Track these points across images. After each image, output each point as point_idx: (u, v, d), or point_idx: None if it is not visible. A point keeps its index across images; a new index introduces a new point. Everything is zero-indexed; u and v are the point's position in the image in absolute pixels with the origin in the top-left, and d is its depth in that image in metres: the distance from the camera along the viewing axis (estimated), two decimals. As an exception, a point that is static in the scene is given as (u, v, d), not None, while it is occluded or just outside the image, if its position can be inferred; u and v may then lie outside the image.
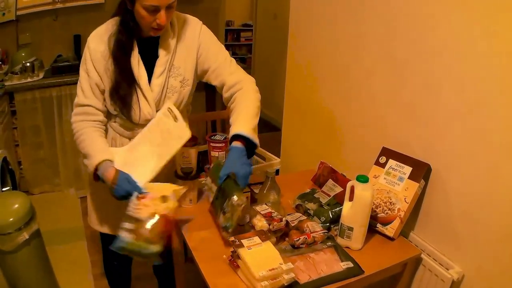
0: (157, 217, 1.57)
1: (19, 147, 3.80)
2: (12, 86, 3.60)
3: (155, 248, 1.55)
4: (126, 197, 1.63)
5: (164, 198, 1.61)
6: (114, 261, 2.42)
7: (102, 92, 1.77)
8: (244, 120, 1.71)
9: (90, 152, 1.72)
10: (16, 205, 2.10)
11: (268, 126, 5.84)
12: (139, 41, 1.75)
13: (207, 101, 4.62)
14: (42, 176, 3.98)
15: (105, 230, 2.10)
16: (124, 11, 1.69)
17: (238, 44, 7.01)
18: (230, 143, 1.69)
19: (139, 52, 1.75)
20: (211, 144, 1.91)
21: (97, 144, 1.76)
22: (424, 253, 1.72)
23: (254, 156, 2.37)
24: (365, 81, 1.98)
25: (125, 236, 1.54)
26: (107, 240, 2.18)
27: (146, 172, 1.70)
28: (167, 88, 1.80)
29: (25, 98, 3.63)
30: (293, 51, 2.56)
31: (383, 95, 1.87)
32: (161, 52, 1.76)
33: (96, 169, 1.70)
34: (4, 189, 3.15)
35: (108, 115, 1.85)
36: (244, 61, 6.89)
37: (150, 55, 1.76)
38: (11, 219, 2.02)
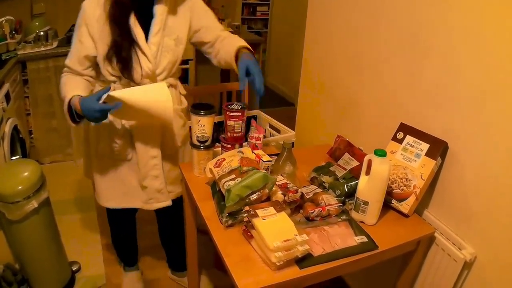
0: None
1: (30, 116, 3.79)
2: (25, 55, 3.59)
3: None
4: (102, 113, 1.67)
5: None
6: (121, 234, 2.48)
7: (92, 59, 1.85)
8: (242, 41, 1.98)
9: (64, 94, 1.78)
10: (26, 173, 2.09)
11: (283, 102, 5.83)
12: (133, 2, 1.78)
13: (221, 73, 4.56)
14: (53, 146, 3.98)
15: (112, 204, 2.15)
16: None
17: (254, 18, 6.90)
18: (237, 53, 1.90)
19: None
20: (227, 113, 1.89)
21: (71, 83, 1.82)
22: (437, 232, 1.70)
23: (269, 129, 2.37)
24: (384, 58, 1.94)
25: None
26: (113, 214, 2.24)
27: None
28: (162, 46, 1.87)
29: (38, 67, 3.62)
30: (312, 26, 2.52)
31: (403, 72, 1.84)
32: (157, 11, 1.83)
33: (69, 109, 1.75)
34: (13, 158, 3.16)
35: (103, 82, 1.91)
36: (260, 35, 6.81)
37: (144, 16, 1.82)
38: (19, 187, 2.02)
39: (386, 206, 1.72)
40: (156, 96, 1.73)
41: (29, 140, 3.85)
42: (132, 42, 1.79)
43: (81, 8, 1.78)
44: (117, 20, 1.75)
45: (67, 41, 3.78)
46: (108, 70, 1.83)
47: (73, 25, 3.60)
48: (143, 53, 1.81)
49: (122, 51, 1.77)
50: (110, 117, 1.81)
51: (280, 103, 5.64)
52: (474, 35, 1.49)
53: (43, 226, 2.21)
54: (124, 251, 2.60)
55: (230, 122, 1.89)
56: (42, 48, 3.66)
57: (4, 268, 2.25)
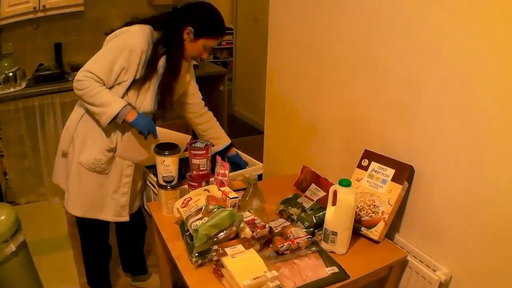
0: None
1: (4, 157, 3.74)
2: (-5, 97, 3.55)
3: None
4: (149, 126, 1.99)
5: None
6: (92, 252, 2.53)
7: (111, 81, 1.96)
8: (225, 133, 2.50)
9: (109, 99, 1.93)
10: (2, 217, 2.06)
11: (252, 130, 5.81)
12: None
13: None
14: (27, 186, 3.92)
15: (78, 213, 2.24)
16: (172, 33, 1.99)
17: (220, 48, 6.94)
18: (227, 150, 2.48)
19: None
20: (192, 151, 1.89)
21: (113, 95, 1.96)
22: (410, 255, 1.71)
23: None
24: (346, 83, 1.96)
25: None
26: (84, 224, 2.34)
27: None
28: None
29: (9, 109, 3.57)
30: (273, 54, 2.54)
31: (365, 97, 1.87)
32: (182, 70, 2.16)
33: (117, 113, 1.92)
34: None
35: None
36: (226, 65, 6.84)
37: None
38: (-2, 231, 1.99)
39: (356, 233, 1.72)
40: (180, 139, 2.06)
41: (5, 181, 3.80)
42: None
43: (130, 32, 1.95)
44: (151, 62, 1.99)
45: (34, 81, 3.75)
46: (128, 94, 2.01)
47: (41, 64, 3.59)
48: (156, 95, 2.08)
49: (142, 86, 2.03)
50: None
51: (249, 132, 5.60)
52: (432, 55, 1.52)
53: (23, 268, 2.19)
54: (97, 276, 2.61)
55: (195, 161, 1.89)
56: (12, 89, 3.62)
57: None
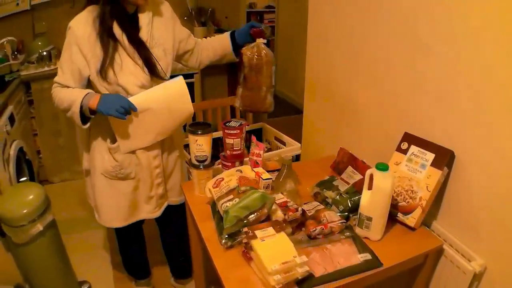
0: None
1: (37, 136, 3.79)
2: (28, 76, 3.59)
3: None
4: (117, 104, 1.74)
5: None
6: (130, 247, 2.50)
7: (84, 78, 1.85)
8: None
9: (73, 97, 1.80)
10: (31, 196, 2.05)
11: (292, 109, 5.76)
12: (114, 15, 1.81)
13: (229, 85, 4.47)
14: (61, 164, 3.97)
15: (117, 224, 2.18)
16: None
17: (263, 26, 6.89)
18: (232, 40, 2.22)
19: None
20: (225, 131, 1.85)
21: (75, 90, 1.84)
22: (446, 244, 1.64)
23: (275, 141, 2.35)
24: (387, 65, 1.87)
25: None
26: (120, 229, 2.24)
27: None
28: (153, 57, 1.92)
29: (42, 87, 3.61)
30: (313, 34, 2.46)
31: (406, 78, 1.77)
32: (142, 25, 1.88)
33: (81, 108, 1.78)
34: (21, 179, 3.15)
35: None
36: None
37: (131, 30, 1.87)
38: (24, 211, 1.98)
39: (392, 219, 1.66)
40: (176, 89, 1.88)
41: (38, 160, 3.85)
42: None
43: (69, 27, 1.79)
44: (107, 35, 1.79)
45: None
46: (105, 87, 1.85)
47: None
48: (136, 63, 1.86)
49: (114, 62, 1.82)
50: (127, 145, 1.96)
51: (290, 111, 5.57)
52: (478, 37, 1.42)
53: (50, 248, 2.18)
54: (135, 265, 2.61)
55: (228, 140, 1.85)
56: (46, 68, 3.65)
57: (15, 288, 2.24)
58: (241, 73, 2.09)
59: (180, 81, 1.88)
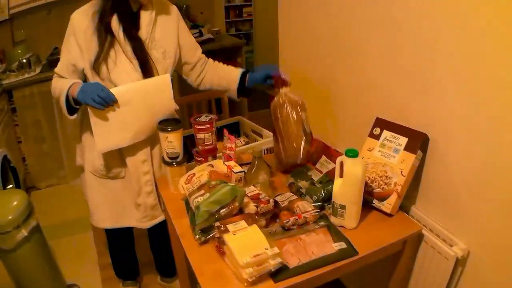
0: None
1: (22, 143, 3.77)
2: (10, 84, 3.57)
3: None
4: (94, 93, 1.68)
5: None
6: (119, 249, 2.49)
7: (80, 70, 1.84)
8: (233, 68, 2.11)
9: (61, 88, 1.80)
10: (14, 203, 2.06)
11: (270, 101, 5.70)
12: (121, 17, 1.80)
13: None
14: (47, 170, 3.96)
15: (106, 225, 2.18)
16: None
17: (241, 20, 6.81)
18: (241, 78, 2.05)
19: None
20: (195, 126, 1.82)
21: (67, 80, 1.83)
22: (425, 229, 1.61)
23: (252, 134, 2.33)
24: (357, 48, 1.85)
25: None
26: (110, 231, 2.29)
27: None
28: (150, 59, 1.86)
29: (24, 95, 3.60)
30: (284, 21, 2.44)
31: (376, 60, 1.75)
32: (143, 23, 1.84)
33: (67, 99, 1.78)
34: (8, 187, 3.14)
35: None
36: (249, 37, 6.73)
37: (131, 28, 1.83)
38: (9, 217, 2.00)
39: (368, 206, 1.64)
40: (158, 85, 1.83)
41: (24, 167, 3.83)
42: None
43: (70, 19, 1.79)
44: (105, 30, 1.77)
45: (49, 65, 3.76)
46: (98, 81, 1.80)
47: (56, 48, 3.62)
48: (130, 61, 1.82)
49: (109, 58, 1.79)
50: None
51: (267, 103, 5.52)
52: (449, 16, 1.39)
53: (36, 253, 2.19)
54: (124, 266, 2.60)
55: (199, 135, 1.83)
56: (26, 75, 3.64)
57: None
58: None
59: (164, 78, 1.84)
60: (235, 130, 2.51)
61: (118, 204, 2.09)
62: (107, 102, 1.70)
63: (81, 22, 1.77)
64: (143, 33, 1.83)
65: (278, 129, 1.90)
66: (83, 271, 2.83)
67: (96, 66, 1.78)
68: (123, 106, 1.77)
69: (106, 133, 1.83)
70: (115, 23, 1.77)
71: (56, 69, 1.88)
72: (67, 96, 1.78)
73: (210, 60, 2.14)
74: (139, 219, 2.11)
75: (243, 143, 2.42)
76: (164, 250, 2.46)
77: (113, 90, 1.73)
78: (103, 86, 1.71)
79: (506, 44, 1.22)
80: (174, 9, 1.97)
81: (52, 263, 2.36)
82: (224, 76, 2.08)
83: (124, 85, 1.79)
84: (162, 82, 1.83)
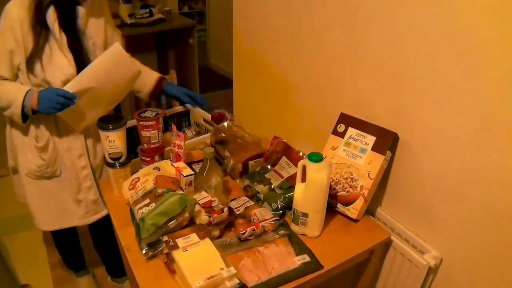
0: None
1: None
2: None
3: None
4: (53, 101, 1.62)
5: None
6: (64, 243, 2.46)
7: (16, 65, 1.71)
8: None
9: (12, 95, 1.67)
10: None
11: (228, 83, 5.53)
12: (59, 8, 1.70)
13: (159, 63, 4.36)
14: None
15: (48, 227, 2.11)
16: None
17: (194, -1, 6.63)
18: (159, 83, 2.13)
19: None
20: (140, 123, 1.63)
21: (12, 86, 1.70)
22: (394, 235, 1.49)
23: (204, 123, 2.25)
24: (319, 38, 1.68)
25: None
26: (56, 233, 2.28)
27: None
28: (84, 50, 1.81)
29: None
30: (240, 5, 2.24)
31: (337, 52, 1.59)
32: (78, 15, 1.74)
33: (23, 106, 1.67)
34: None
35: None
36: (202, 16, 6.51)
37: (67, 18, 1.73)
38: None
39: (332, 211, 1.51)
40: (112, 58, 1.76)
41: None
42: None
43: (5, 10, 1.65)
44: (40, 23, 1.66)
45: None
46: (30, 79, 1.72)
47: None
48: (65, 56, 1.72)
49: (43, 53, 1.69)
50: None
51: (224, 85, 5.31)
52: (417, 5, 1.24)
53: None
54: (71, 259, 2.58)
55: (144, 133, 1.64)
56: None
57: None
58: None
59: (114, 49, 1.75)
60: (185, 118, 2.33)
61: (59, 205, 2.00)
62: (68, 104, 1.64)
63: (18, 14, 1.64)
64: (79, 24, 1.75)
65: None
66: (35, 271, 2.76)
67: (29, 63, 1.69)
68: (87, 93, 1.71)
69: (80, 119, 1.81)
70: (52, 16, 1.66)
71: None
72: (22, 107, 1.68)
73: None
74: (82, 216, 2.05)
75: (194, 133, 2.25)
76: (111, 250, 2.34)
77: (69, 87, 1.66)
78: (57, 90, 1.65)
79: (482, 36, 1.10)
80: (103, 3, 1.91)
81: (4, 265, 2.40)
82: (140, 78, 2.04)
83: (78, 76, 1.70)
84: (114, 53, 1.76)
